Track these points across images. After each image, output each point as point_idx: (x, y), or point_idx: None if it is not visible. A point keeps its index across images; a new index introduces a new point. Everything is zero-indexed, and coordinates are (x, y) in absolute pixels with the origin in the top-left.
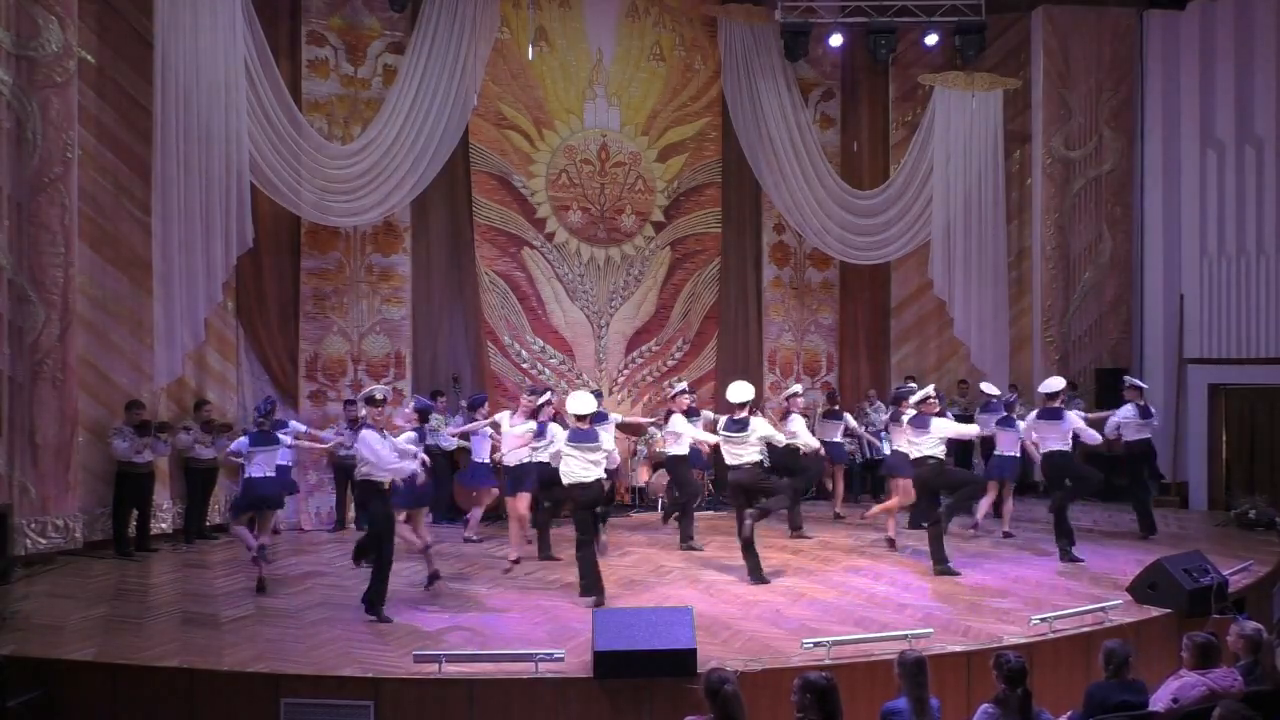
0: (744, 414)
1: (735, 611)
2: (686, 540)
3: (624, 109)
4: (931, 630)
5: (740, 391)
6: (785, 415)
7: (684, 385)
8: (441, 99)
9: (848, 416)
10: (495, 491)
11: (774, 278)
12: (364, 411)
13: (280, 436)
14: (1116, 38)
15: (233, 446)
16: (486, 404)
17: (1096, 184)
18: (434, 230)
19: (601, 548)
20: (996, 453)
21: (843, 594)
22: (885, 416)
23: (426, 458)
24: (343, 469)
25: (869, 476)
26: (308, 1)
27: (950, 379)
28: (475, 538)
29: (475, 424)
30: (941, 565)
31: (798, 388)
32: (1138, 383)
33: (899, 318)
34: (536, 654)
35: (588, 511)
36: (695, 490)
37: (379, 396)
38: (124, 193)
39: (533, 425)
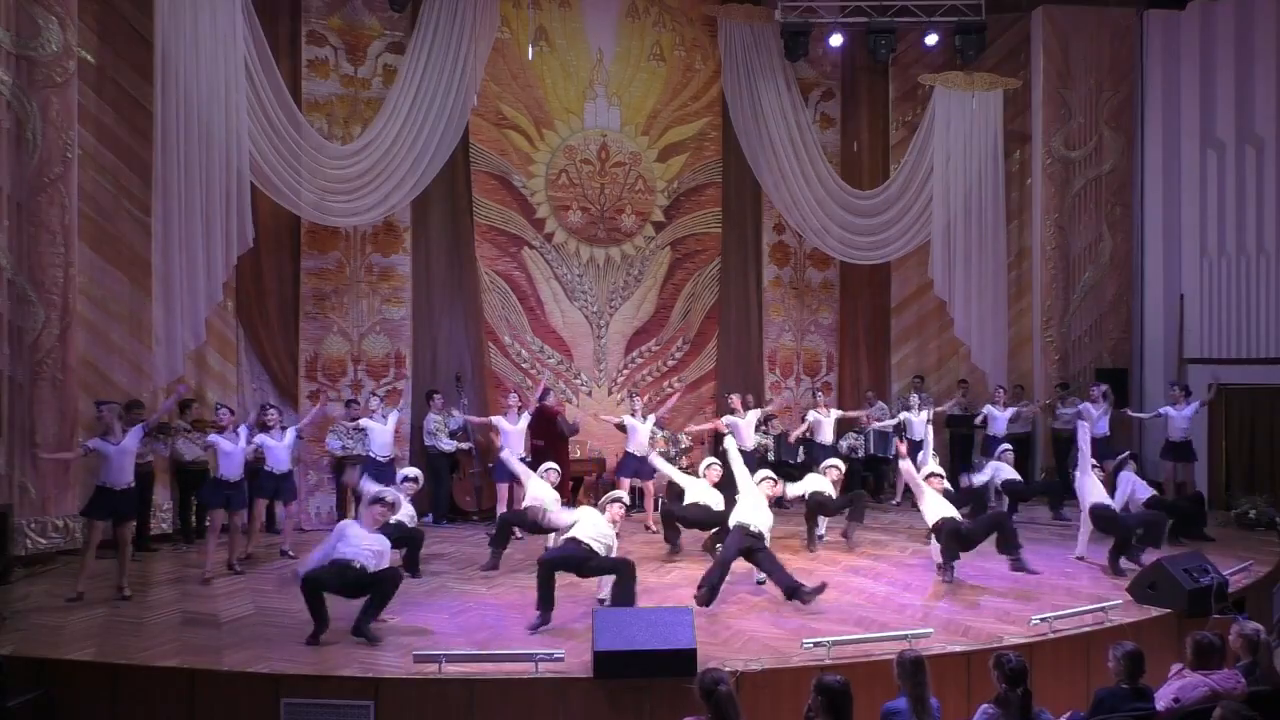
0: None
1: (735, 611)
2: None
3: (624, 109)
4: (931, 630)
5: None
6: None
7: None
8: (441, 99)
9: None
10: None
11: (774, 278)
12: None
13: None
14: (1116, 38)
15: None
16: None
17: (1096, 184)
18: (434, 230)
19: None
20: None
21: (843, 594)
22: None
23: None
24: (342, 468)
25: (870, 475)
26: (308, 1)
27: (950, 379)
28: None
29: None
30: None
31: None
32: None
33: (899, 318)
34: (536, 654)
35: None
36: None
37: None
38: (124, 193)
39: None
